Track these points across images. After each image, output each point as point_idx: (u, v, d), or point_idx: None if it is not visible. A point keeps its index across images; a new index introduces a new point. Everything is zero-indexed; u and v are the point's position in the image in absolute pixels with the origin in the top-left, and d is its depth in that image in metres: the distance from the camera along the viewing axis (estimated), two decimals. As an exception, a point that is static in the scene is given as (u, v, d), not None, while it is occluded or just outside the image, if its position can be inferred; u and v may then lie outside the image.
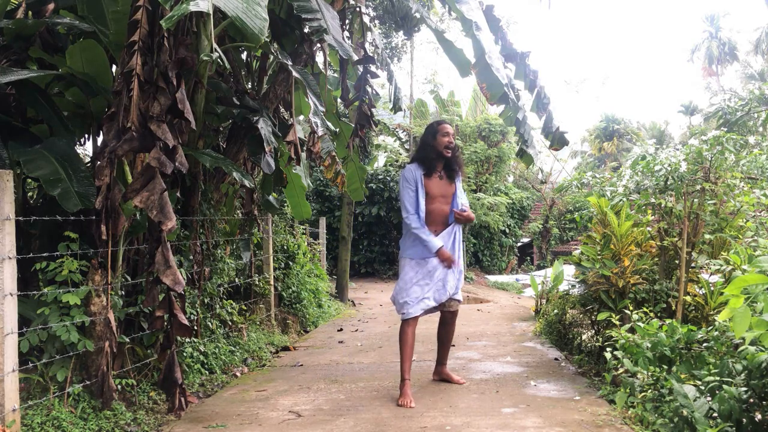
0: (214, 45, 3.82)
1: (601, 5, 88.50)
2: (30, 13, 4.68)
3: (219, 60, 4.10)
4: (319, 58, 6.72)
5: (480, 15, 6.34)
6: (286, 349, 6.56)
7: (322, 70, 6.53)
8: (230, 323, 6.03)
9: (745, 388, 3.14)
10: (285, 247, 8.12)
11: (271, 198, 6.92)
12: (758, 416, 3.09)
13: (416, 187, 4.43)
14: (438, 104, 18.09)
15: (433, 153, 4.47)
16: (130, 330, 4.46)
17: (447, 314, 4.68)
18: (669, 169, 4.90)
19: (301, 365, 5.75)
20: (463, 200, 4.63)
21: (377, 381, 5.02)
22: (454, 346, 6.51)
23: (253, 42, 3.56)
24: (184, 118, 3.81)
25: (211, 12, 3.26)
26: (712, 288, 4.69)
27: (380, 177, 15.66)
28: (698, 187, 4.93)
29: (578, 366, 5.30)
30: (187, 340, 4.98)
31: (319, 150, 6.09)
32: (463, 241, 15.83)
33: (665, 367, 3.80)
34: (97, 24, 4.37)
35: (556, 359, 5.67)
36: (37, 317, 3.72)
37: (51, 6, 4.65)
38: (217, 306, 5.76)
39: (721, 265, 4.50)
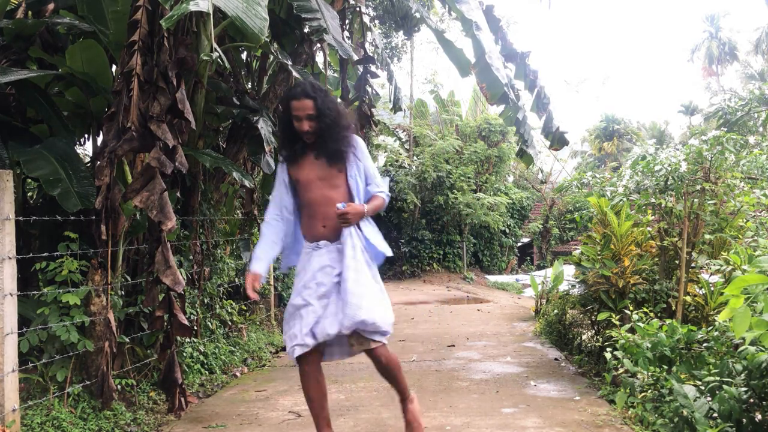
0: (214, 45, 3.82)
1: (601, 5, 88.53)
2: (30, 13, 4.68)
3: (219, 60, 4.11)
4: (319, 58, 6.72)
5: (480, 15, 6.34)
6: (285, 349, 6.56)
7: (322, 70, 6.53)
8: (230, 323, 6.03)
9: (745, 388, 3.14)
10: (285, 247, 8.11)
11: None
12: (758, 416, 3.09)
13: (282, 182, 3.29)
14: (438, 104, 18.08)
15: (293, 131, 3.20)
16: (130, 330, 4.46)
17: (368, 356, 3.24)
18: (669, 169, 4.90)
19: (301, 365, 5.75)
20: (374, 182, 3.30)
21: (377, 381, 5.02)
22: (453, 346, 6.52)
23: (253, 42, 3.57)
24: (184, 118, 3.82)
25: (211, 12, 3.26)
26: (712, 288, 4.69)
27: (380, 177, 15.65)
28: (698, 187, 4.93)
29: (578, 366, 5.30)
30: (187, 340, 4.98)
31: (319, 150, 6.08)
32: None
33: (665, 367, 3.80)
34: (97, 24, 4.37)
35: (556, 359, 5.67)
36: (37, 317, 3.72)
37: (51, 6, 4.65)
38: (217, 306, 5.76)
39: (721, 265, 4.49)
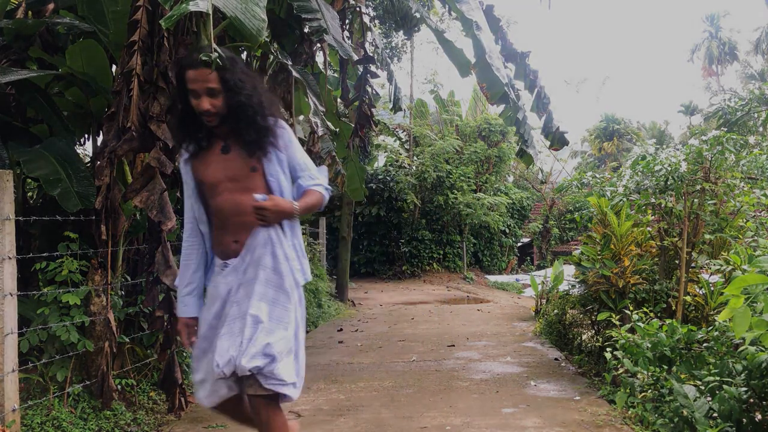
0: (214, 45, 3.81)
1: (601, 5, 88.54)
2: (30, 13, 4.68)
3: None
4: (319, 58, 6.72)
5: (480, 15, 6.34)
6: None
7: (322, 70, 6.53)
8: (230, 323, 6.02)
9: (745, 388, 3.14)
10: (285, 247, 8.10)
11: (271, 198, 6.90)
12: (758, 416, 3.10)
13: (188, 187, 2.53)
14: (438, 104, 18.08)
15: (192, 113, 2.42)
16: (130, 330, 4.46)
17: (251, 402, 2.42)
18: (669, 169, 4.90)
19: (301, 365, 5.75)
20: (307, 172, 2.50)
21: (377, 381, 5.02)
22: (453, 346, 6.52)
23: (251, 42, 3.56)
24: (184, 118, 3.81)
25: (210, 12, 3.26)
26: (712, 288, 4.69)
27: (380, 177, 15.67)
28: (698, 187, 4.93)
29: (578, 366, 5.30)
30: (187, 340, 4.98)
31: (319, 150, 6.09)
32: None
33: (665, 367, 3.80)
34: (97, 24, 4.37)
35: (556, 359, 5.67)
36: (37, 317, 3.72)
37: (51, 6, 4.65)
38: (217, 306, 5.75)
39: (721, 265, 4.49)
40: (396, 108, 7.69)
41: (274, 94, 5.12)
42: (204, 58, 2.39)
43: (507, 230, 18.05)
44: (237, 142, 2.41)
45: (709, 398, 3.26)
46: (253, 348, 2.26)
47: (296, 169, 2.49)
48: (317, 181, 2.50)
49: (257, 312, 2.30)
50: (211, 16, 3.35)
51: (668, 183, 4.98)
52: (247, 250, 2.37)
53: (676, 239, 4.95)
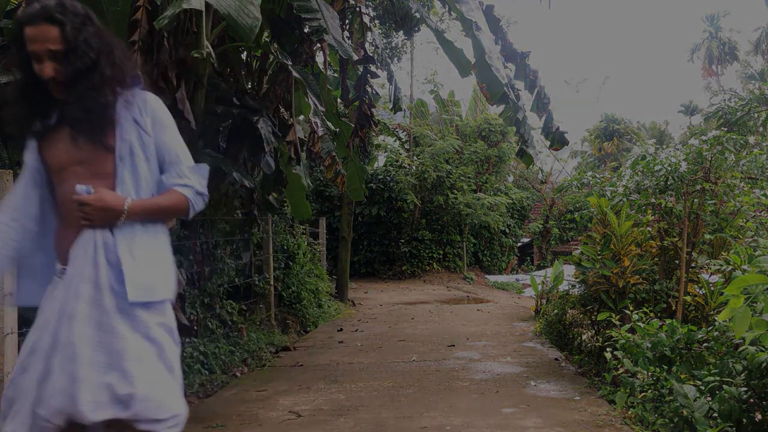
0: (206, 42, 3.81)
1: (601, 5, 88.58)
2: (30, 13, 4.68)
3: (210, 57, 4.08)
4: (319, 58, 6.72)
5: (480, 15, 6.34)
6: (286, 349, 6.57)
7: (322, 70, 6.53)
8: (230, 323, 6.03)
9: (745, 388, 3.15)
10: (285, 247, 8.13)
11: (271, 198, 6.92)
12: (758, 416, 3.10)
13: (29, 169, 1.99)
14: (438, 104, 18.10)
15: (38, 80, 1.87)
16: (130, 330, 4.46)
17: None
18: (669, 169, 4.90)
19: (301, 365, 5.75)
20: (175, 167, 2.02)
21: (377, 381, 5.02)
22: (453, 346, 6.53)
23: (245, 40, 3.56)
24: (184, 118, 3.82)
25: (203, 9, 3.26)
26: (712, 288, 4.69)
27: (380, 177, 15.68)
28: (698, 187, 4.93)
29: (578, 366, 5.30)
30: (187, 340, 4.98)
31: (319, 150, 6.09)
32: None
33: (665, 367, 3.80)
34: (97, 24, 4.37)
35: (556, 359, 5.67)
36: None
37: (51, 6, 4.65)
38: (217, 306, 5.76)
39: (721, 265, 4.49)
40: (396, 108, 7.70)
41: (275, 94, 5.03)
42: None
43: (507, 230, 18.05)
44: (83, 116, 1.90)
45: (709, 398, 3.26)
46: (91, 394, 1.73)
47: (164, 161, 2.00)
48: (185, 180, 2.01)
49: (84, 342, 1.76)
50: (203, 13, 3.35)
51: (668, 183, 4.98)
52: (83, 250, 1.85)
53: (676, 239, 4.95)
